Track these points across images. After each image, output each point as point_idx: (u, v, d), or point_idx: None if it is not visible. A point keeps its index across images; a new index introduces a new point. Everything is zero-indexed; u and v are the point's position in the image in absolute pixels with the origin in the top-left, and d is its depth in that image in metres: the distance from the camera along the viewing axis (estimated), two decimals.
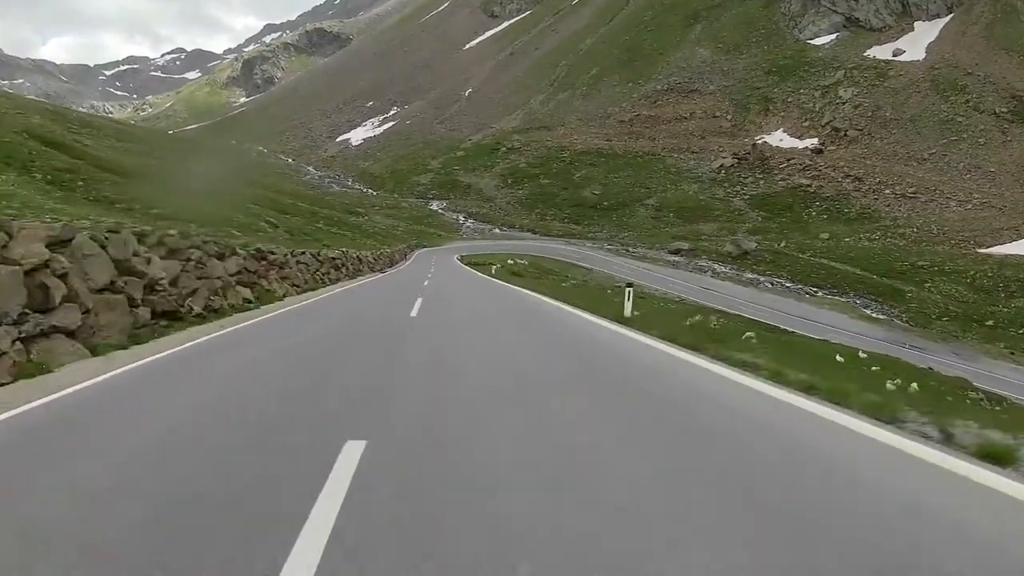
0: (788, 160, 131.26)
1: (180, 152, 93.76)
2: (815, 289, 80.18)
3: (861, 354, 27.43)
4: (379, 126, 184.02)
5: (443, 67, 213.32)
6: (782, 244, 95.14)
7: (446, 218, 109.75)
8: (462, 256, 71.27)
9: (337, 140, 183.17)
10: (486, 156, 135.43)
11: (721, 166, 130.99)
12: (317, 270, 25.91)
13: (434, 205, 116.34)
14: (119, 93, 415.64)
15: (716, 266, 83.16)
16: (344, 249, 35.51)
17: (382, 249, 53.95)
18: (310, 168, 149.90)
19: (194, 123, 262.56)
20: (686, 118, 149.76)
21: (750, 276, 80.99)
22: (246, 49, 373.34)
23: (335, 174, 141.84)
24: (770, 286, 78.36)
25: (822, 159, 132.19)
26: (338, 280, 29.27)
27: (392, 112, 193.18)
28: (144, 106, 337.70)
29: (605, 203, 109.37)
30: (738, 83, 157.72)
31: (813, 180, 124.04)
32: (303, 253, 23.72)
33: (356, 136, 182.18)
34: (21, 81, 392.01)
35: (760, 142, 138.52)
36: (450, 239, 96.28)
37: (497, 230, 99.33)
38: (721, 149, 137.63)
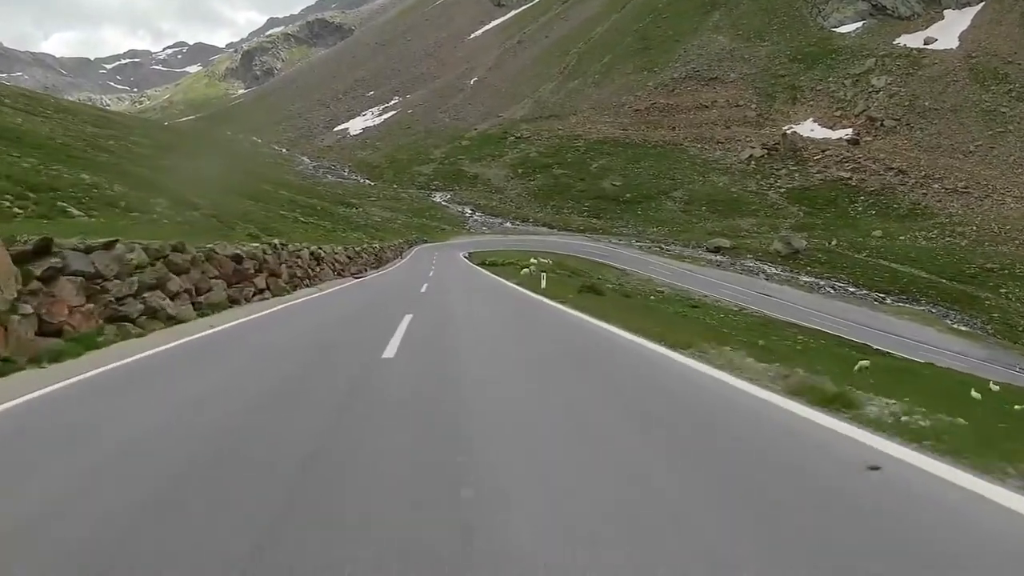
0: (823, 151, 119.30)
1: (157, 138, 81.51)
2: (881, 295, 67.22)
3: (992, 386, 19.86)
4: (379, 115, 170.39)
5: (447, 56, 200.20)
6: (833, 242, 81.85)
7: (451, 211, 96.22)
8: (471, 254, 57.93)
9: (335, 130, 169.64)
10: (493, 145, 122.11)
11: (750, 157, 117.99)
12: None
13: (437, 197, 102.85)
14: (119, 87, 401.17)
15: (765, 267, 69.66)
16: (295, 244, 21.85)
17: (368, 244, 40.25)
18: (304, 158, 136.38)
19: (191, 115, 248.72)
20: (707, 107, 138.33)
21: (807, 279, 67.60)
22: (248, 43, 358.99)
23: (330, 164, 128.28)
24: (832, 291, 65.00)
25: (859, 150, 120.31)
26: (262, 294, 15.65)
27: (393, 101, 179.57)
28: (142, 98, 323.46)
29: (627, 195, 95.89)
30: (761, 71, 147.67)
31: (853, 173, 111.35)
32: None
33: (355, 126, 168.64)
34: (20, 74, 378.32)
35: (790, 132, 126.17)
36: (455, 233, 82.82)
37: (508, 224, 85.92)
38: (748, 139, 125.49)
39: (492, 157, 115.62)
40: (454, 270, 36.92)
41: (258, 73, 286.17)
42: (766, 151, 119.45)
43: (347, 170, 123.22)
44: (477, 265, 43.54)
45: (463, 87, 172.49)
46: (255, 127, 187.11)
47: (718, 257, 71.98)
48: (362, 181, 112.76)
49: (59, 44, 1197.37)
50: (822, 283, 66.66)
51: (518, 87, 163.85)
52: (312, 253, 23.47)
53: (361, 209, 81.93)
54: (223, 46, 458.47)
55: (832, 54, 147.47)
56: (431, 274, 30.06)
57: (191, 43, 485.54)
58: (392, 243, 53.23)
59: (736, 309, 49.33)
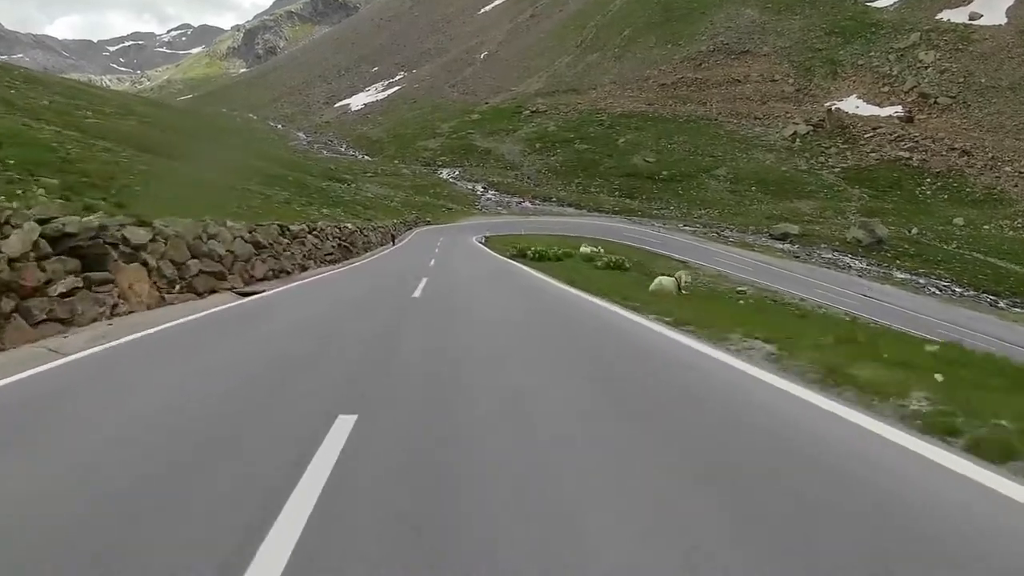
0: (874, 129, 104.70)
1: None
2: (992, 296, 52.38)
3: None
4: (383, 90, 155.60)
5: (456, 31, 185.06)
6: (913, 231, 67.22)
7: (459, 188, 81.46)
8: (487, 238, 43.50)
9: (335, 106, 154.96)
10: (507, 119, 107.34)
11: (794, 133, 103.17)
12: None
13: (444, 173, 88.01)
14: (122, 69, 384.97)
15: (848, 259, 55.06)
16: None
17: (342, 224, 25.77)
18: (300, 134, 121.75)
19: (189, 94, 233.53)
20: (740, 81, 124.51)
21: (901, 276, 52.85)
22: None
23: (327, 139, 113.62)
24: (937, 292, 50.25)
25: (914, 129, 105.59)
26: None
27: (398, 77, 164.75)
28: (142, 79, 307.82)
29: (664, 173, 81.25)
30: (796, 44, 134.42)
31: (912, 152, 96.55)
32: None
33: (356, 101, 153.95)
34: (20, 56, 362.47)
35: (833, 108, 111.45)
36: (464, 213, 68.29)
37: (527, 204, 71.24)
38: (789, 115, 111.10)
39: (506, 131, 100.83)
40: (472, 268, 22.09)
41: (260, 52, 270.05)
42: (811, 128, 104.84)
43: (345, 145, 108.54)
44: (511, 259, 28.47)
45: (472, 61, 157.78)
46: (252, 104, 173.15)
47: (787, 246, 57.30)
48: (359, 156, 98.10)
49: (63, 28, 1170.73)
50: (921, 281, 51.96)
51: (532, 61, 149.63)
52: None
53: (353, 185, 67.59)
54: (228, 28, 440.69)
55: (871, 28, 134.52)
56: (419, 288, 14.60)
57: (196, 25, 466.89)
58: (381, 224, 38.74)
59: (848, 319, 34.70)
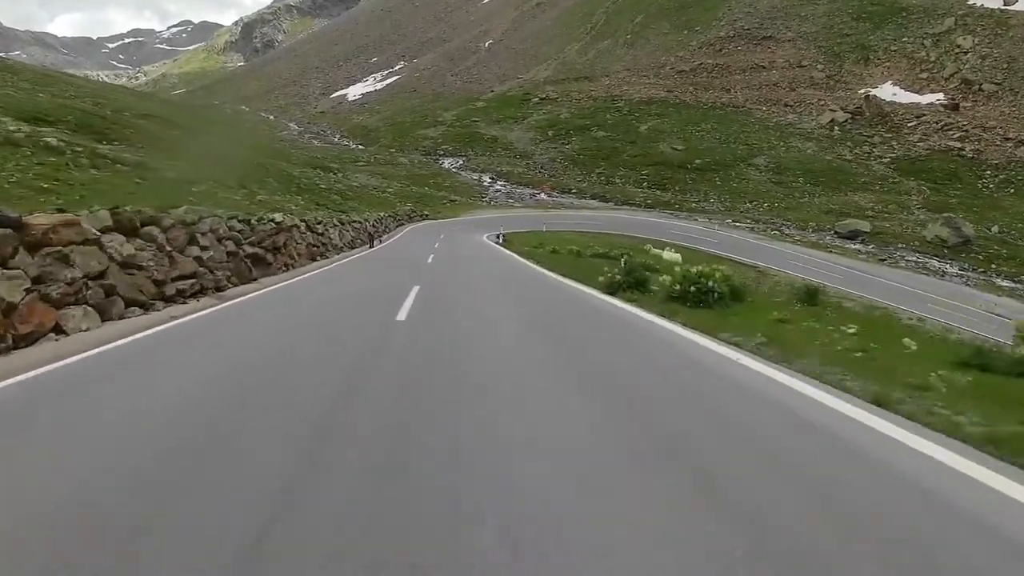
0: (917, 117, 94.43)
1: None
2: None
3: None
4: (382, 80, 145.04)
5: (459, 20, 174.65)
6: (994, 229, 56.64)
7: (463, 179, 70.75)
8: (504, 237, 33.05)
9: (331, 96, 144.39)
10: (514, 107, 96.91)
11: (831, 121, 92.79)
12: None
13: (446, 163, 77.21)
14: (120, 65, 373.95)
15: (937, 263, 44.40)
16: None
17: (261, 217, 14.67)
18: (291, 124, 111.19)
19: (183, 88, 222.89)
20: (764, 67, 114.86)
21: (1006, 283, 42.24)
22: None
23: (320, 130, 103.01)
24: None
25: (961, 117, 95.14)
26: None
27: (398, 66, 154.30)
28: (138, 74, 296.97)
29: (696, 162, 70.72)
30: (822, 30, 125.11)
31: (964, 143, 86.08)
32: None
33: (353, 92, 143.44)
34: (18, 52, 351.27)
35: (869, 95, 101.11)
36: (470, 207, 57.74)
37: (543, 196, 60.62)
38: (822, 102, 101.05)
39: (514, 119, 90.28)
40: (510, 311, 10.61)
41: (258, 45, 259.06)
42: (849, 115, 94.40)
43: (339, 135, 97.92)
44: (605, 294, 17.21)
45: (476, 50, 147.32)
46: (245, 96, 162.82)
47: (859, 246, 46.70)
48: (352, 146, 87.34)
49: (64, 26, 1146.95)
50: None
51: (539, 49, 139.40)
52: None
53: (339, 174, 57.00)
54: (229, 24, 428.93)
55: (901, 13, 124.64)
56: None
57: (196, 22, 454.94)
58: (360, 218, 27.98)
59: (992, 347, 24.05)
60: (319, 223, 19.33)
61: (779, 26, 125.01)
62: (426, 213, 51.00)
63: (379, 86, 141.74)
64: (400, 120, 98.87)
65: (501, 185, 67.99)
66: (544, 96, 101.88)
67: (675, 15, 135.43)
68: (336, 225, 21.95)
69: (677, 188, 65.71)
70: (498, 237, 33.04)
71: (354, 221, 25.42)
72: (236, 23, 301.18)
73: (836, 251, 42.74)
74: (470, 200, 60.21)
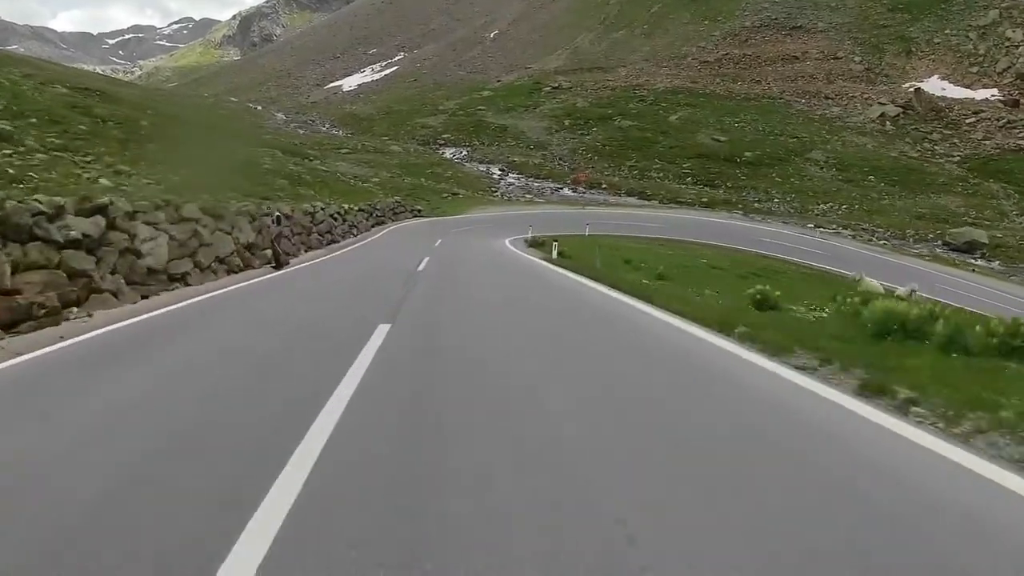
0: (975, 113, 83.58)
1: None
2: None
3: None
4: (380, 71, 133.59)
5: (462, 12, 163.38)
6: None
7: (468, 170, 58.89)
8: (532, 240, 21.52)
9: (325, 87, 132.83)
10: (524, 96, 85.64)
11: (882, 115, 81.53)
12: None
13: (447, 153, 65.31)
14: (119, 61, 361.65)
15: None
16: None
17: None
18: (279, 114, 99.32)
19: (177, 82, 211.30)
20: (797, 58, 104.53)
21: None
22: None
23: (308, 119, 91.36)
24: None
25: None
26: None
27: (398, 57, 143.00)
28: (134, 69, 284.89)
29: (746, 155, 59.53)
30: (856, 20, 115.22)
31: None
32: None
33: (349, 82, 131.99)
34: (15, 47, 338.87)
35: (919, 89, 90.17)
36: (479, 201, 46.10)
37: (568, 191, 48.90)
38: (866, 95, 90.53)
39: (524, 108, 78.87)
40: None
41: (256, 40, 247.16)
42: (900, 110, 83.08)
43: (328, 125, 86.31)
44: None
45: (481, 40, 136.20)
46: (236, 88, 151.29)
47: (982, 261, 35.04)
48: (340, 134, 75.62)
49: (65, 22, 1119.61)
50: None
51: (548, 39, 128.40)
52: None
53: (319, 162, 45.37)
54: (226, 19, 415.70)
55: (940, 4, 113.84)
56: None
57: (197, 19, 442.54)
58: (270, 211, 16.11)
59: None
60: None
61: (809, 16, 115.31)
62: (419, 208, 39.18)
63: (376, 77, 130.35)
64: (396, 108, 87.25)
65: (514, 177, 56.22)
66: (556, 85, 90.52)
67: (694, 4, 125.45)
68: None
69: (729, 184, 54.18)
70: (552, 249, 21.40)
71: (263, 214, 13.69)
72: (234, 17, 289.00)
73: (963, 267, 31.32)
74: (477, 194, 48.55)
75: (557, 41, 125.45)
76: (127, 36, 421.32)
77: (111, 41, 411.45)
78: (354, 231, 24.94)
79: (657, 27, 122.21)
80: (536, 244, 21.45)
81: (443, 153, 64.69)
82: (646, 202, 46.86)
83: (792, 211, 46.81)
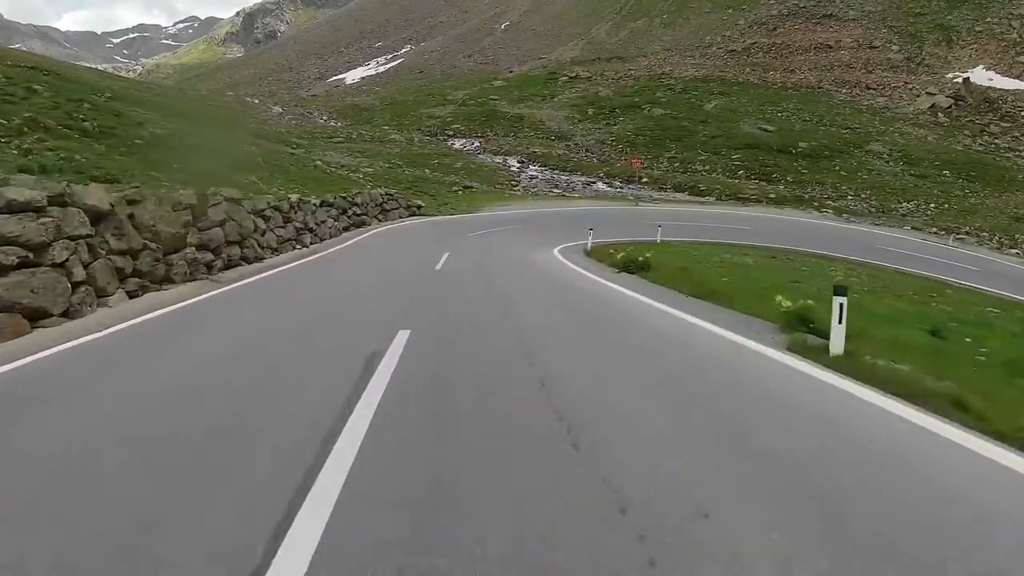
0: None
1: None
2: None
3: None
4: (385, 64, 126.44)
5: (472, 3, 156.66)
6: None
7: (482, 162, 51.16)
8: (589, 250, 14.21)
9: (328, 81, 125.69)
10: (540, 85, 78.41)
11: (933, 106, 73.90)
12: None
13: (457, 144, 57.68)
14: (123, 60, 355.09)
15: None
16: None
17: None
18: (275, 108, 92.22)
19: (178, 78, 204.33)
20: (831, 47, 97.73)
21: None
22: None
23: (306, 112, 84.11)
24: None
25: None
26: None
27: (404, 50, 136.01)
28: (136, 66, 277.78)
29: (801, 146, 52.04)
30: (890, 9, 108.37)
31: None
32: None
33: (352, 76, 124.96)
34: (18, 46, 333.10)
35: (967, 80, 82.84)
36: (498, 197, 38.57)
37: (602, 185, 41.42)
38: (909, 86, 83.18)
39: (541, 97, 71.54)
40: None
41: (259, 36, 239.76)
42: (952, 101, 75.49)
43: (326, 116, 79.08)
44: None
45: (492, 31, 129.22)
46: (235, 82, 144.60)
47: None
48: (338, 125, 68.37)
49: (70, 23, 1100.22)
50: None
51: (562, 29, 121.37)
52: None
53: (305, 151, 38.04)
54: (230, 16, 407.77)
55: None
56: None
57: (203, 18, 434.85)
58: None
59: None
60: None
61: (839, 5, 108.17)
62: (419, 204, 31.20)
63: (381, 70, 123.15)
64: (401, 99, 79.84)
65: (536, 170, 48.58)
66: (574, 75, 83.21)
67: None
68: None
69: (789, 179, 46.64)
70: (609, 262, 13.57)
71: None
72: (237, 14, 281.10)
73: None
74: (494, 188, 41.02)
75: (571, 32, 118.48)
76: (132, 35, 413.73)
77: (116, 40, 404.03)
78: (307, 238, 17.30)
79: (678, 16, 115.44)
80: (622, 263, 13.39)
81: (452, 144, 57.08)
82: (699, 198, 39.33)
83: (872, 210, 39.29)
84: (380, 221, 26.63)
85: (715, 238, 22.95)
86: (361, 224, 23.98)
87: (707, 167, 49.08)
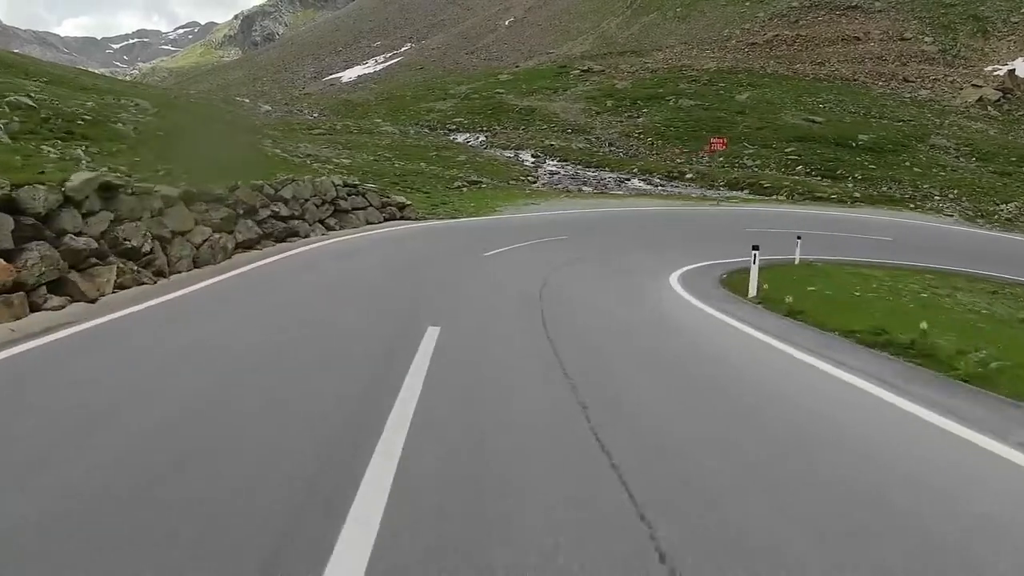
0: None
1: None
2: None
3: None
4: (384, 62, 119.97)
5: (474, 2, 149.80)
6: None
7: (490, 155, 44.02)
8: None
9: (324, 80, 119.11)
10: (551, 79, 71.85)
11: (981, 99, 67.10)
12: None
13: (460, 138, 50.64)
14: (122, 65, 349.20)
15: None
16: None
17: None
18: (265, 106, 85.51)
19: (173, 81, 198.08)
20: (859, 39, 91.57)
21: None
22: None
23: (295, 108, 77.45)
24: None
25: None
26: None
27: (404, 48, 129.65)
28: (132, 71, 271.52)
29: (861, 139, 45.22)
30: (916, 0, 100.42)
31: None
32: None
33: (349, 74, 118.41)
34: (16, 51, 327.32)
35: (1009, 72, 76.28)
36: (514, 196, 31.37)
37: (637, 181, 34.65)
38: (949, 78, 76.72)
39: (552, 90, 64.81)
40: None
41: (257, 39, 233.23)
42: (1000, 93, 68.78)
43: (317, 113, 72.36)
44: None
45: (495, 28, 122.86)
46: (227, 83, 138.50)
47: None
48: (316, 116, 61.77)
49: (71, 28, 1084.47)
50: None
51: (570, 24, 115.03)
52: None
53: (280, 144, 31.15)
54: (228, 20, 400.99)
55: None
56: None
57: (203, 23, 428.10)
58: None
59: None
60: None
61: None
62: (404, 203, 22.74)
63: (379, 68, 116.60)
64: (399, 94, 73.11)
65: (556, 165, 41.59)
66: (586, 68, 76.51)
67: None
68: None
69: (858, 175, 39.80)
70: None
71: None
72: (235, 17, 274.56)
73: None
74: (508, 184, 34.05)
75: (580, 27, 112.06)
76: (132, 41, 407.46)
77: (115, 46, 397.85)
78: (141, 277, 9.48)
79: (692, 10, 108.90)
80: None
81: (454, 139, 50.06)
82: (766, 196, 32.53)
83: (962, 210, 32.51)
84: (331, 228, 18.28)
85: (856, 254, 16.06)
86: (292, 233, 15.69)
87: (757, 161, 42.16)
